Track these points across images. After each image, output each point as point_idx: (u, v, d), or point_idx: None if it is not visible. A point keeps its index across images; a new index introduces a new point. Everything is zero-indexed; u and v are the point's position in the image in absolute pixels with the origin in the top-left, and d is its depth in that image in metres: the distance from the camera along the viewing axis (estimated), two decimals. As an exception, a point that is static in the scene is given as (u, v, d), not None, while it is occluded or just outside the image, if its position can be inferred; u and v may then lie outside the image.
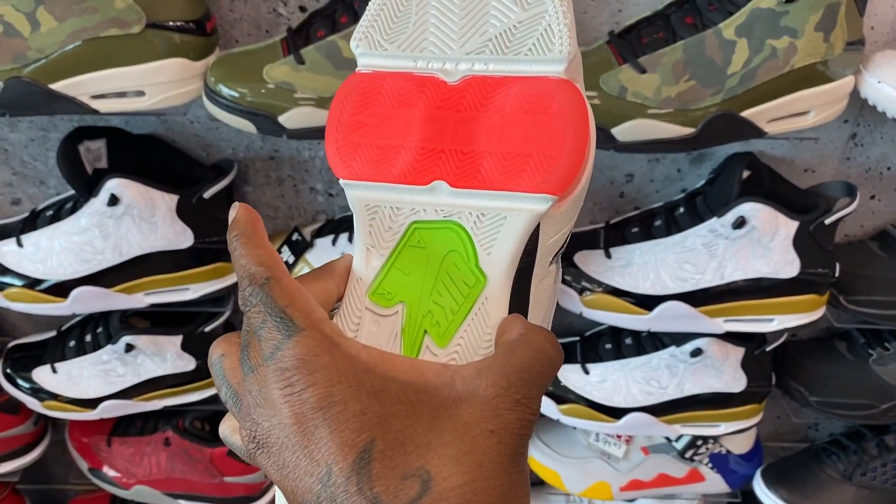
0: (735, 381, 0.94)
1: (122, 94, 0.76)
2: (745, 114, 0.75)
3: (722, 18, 0.72)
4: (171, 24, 0.73)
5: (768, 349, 0.94)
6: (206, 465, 1.05)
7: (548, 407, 0.97)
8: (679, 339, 0.93)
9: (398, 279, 0.34)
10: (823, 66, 0.74)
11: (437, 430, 0.28)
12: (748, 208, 0.80)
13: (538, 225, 0.33)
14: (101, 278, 0.86)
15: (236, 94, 0.75)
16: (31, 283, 0.87)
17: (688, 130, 0.74)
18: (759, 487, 1.08)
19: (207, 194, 0.85)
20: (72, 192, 0.88)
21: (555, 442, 1.10)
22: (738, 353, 0.93)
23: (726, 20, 0.71)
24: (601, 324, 0.96)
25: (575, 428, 1.05)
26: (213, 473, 1.05)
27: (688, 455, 1.06)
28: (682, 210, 0.87)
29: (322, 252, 0.91)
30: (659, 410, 0.95)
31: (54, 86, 0.73)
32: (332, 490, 0.26)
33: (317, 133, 0.76)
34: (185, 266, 0.89)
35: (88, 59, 0.72)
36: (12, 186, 0.96)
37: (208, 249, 0.89)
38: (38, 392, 0.97)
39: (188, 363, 0.96)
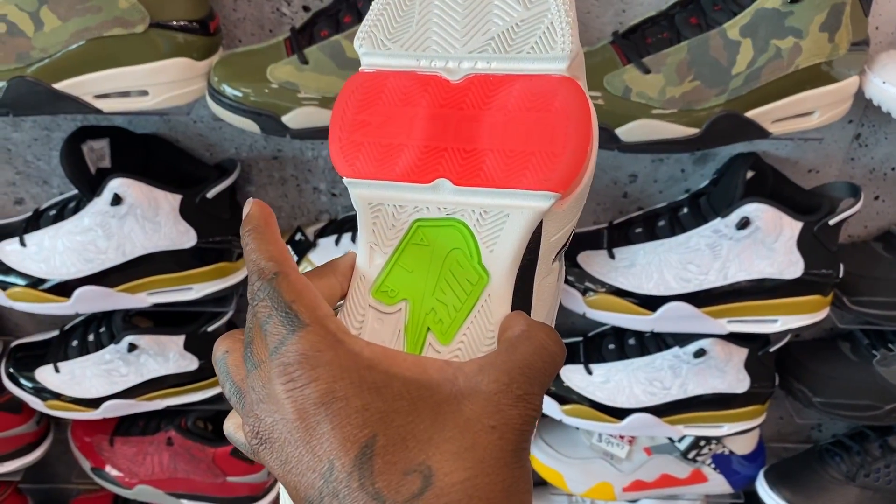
0: (738, 382, 0.94)
1: (125, 94, 0.76)
2: (750, 114, 0.74)
3: (726, 18, 0.72)
4: (174, 23, 0.73)
5: (772, 350, 0.94)
6: (209, 465, 1.05)
7: (551, 407, 0.96)
8: (682, 339, 0.93)
9: (401, 277, 0.34)
10: (828, 67, 0.73)
11: (439, 425, 0.28)
12: (752, 209, 0.80)
13: (541, 222, 0.33)
14: (104, 278, 0.86)
15: (240, 94, 0.75)
16: (34, 282, 0.87)
17: (692, 131, 0.74)
18: (762, 488, 1.08)
19: (211, 194, 0.85)
20: (75, 191, 0.88)
21: (557, 442, 1.10)
22: (742, 353, 0.93)
23: (731, 20, 0.71)
24: (604, 324, 0.96)
25: (577, 428, 1.05)
26: (215, 473, 1.05)
27: (691, 456, 1.06)
28: (685, 210, 0.87)
29: (325, 252, 0.91)
30: (662, 411, 0.95)
31: (58, 85, 0.73)
32: (334, 485, 0.27)
33: (320, 133, 0.76)
34: (188, 266, 0.89)
35: (92, 58, 0.72)
36: (15, 186, 0.96)
37: (211, 249, 0.89)
38: (41, 391, 0.97)
39: (191, 363, 0.96)
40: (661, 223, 0.88)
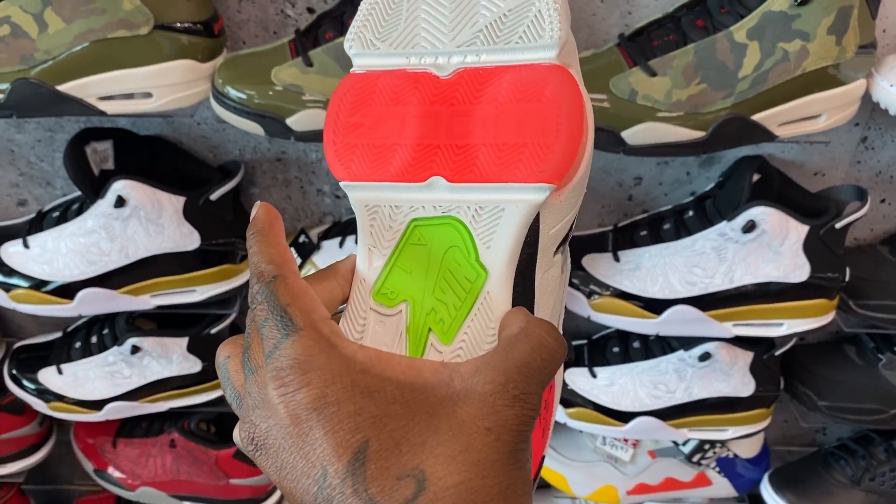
0: (743, 386, 0.94)
1: (129, 96, 0.75)
2: (756, 117, 0.74)
3: (733, 21, 0.71)
4: (178, 25, 0.73)
5: (777, 353, 0.94)
6: (212, 467, 1.05)
7: (554, 410, 0.96)
8: (687, 343, 0.92)
9: (400, 278, 0.34)
10: (835, 70, 0.73)
11: (433, 429, 0.27)
12: (758, 212, 0.80)
13: (538, 215, 0.33)
14: (108, 280, 0.86)
15: (244, 96, 0.74)
16: (37, 284, 0.87)
17: (698, 134, 0.74)
18: (767, 492, 1.07)
19: (214, 196, 0.85)
20: (78, 193, 0.88)
21: (561, 445, 1.09)
22: (747, 357, 0.93)
23: (738, 23, 0.71)
24: (609, 327, 0.95)
25: (581, 431, 1.04)
26: (218, 475, 1.05)
27: (695, 459, 1.05)
28: (691, 213, 0.87)
29: (329, 254, 0.91)
30: (666, 414, 0.95)
31: (62, 87, 0.73)
32: (328, 492, 0.26)
33: (324, 135, 0.75)
34: (191, 268, 0.88)
35: (96, 60, 0.72)
36: (18, 187, 0.96)
37: (215, 251, 0.89)
38: (44, 393, 0.97)
39: (194, 365, 0.96)
40: (667, 226, 0.87)
